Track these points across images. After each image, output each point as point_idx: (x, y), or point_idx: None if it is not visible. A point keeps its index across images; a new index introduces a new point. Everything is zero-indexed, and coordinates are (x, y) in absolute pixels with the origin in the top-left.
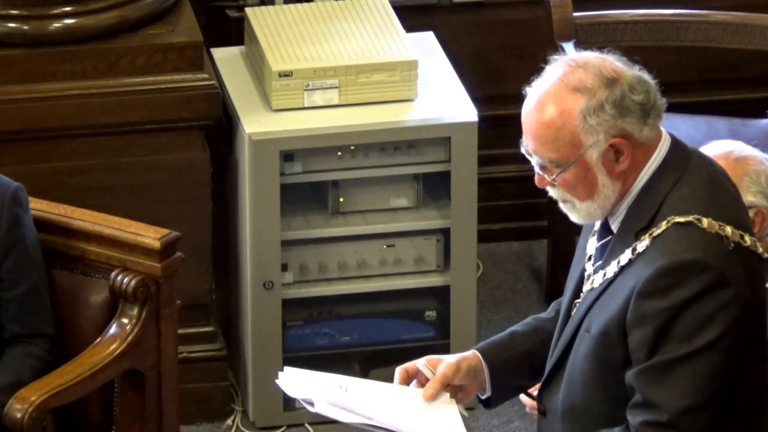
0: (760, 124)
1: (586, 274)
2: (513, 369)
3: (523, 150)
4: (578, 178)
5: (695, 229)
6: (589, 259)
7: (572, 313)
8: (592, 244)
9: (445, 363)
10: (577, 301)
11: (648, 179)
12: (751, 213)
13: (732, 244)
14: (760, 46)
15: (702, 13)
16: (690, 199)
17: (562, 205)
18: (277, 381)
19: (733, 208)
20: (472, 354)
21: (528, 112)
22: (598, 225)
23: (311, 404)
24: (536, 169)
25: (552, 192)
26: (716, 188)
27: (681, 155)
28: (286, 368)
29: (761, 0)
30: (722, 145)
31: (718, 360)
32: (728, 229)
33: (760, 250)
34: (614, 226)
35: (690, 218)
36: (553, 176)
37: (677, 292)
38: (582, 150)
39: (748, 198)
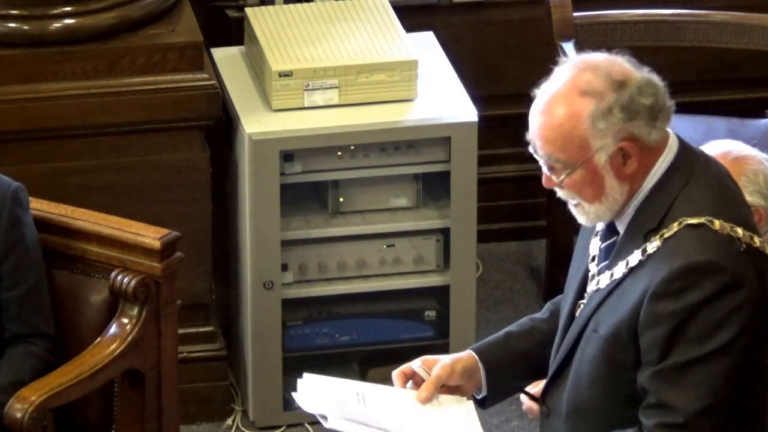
0: (759, 124)
1: (590, 274)
2: (509, 369)
3: (531, 149)
4: (585, 180)
5: (708, 231)
6: (593, 259)
7: (576, 314)
8: (595, 245)
9: (439, 364)
10: (581, 301)
11: (657, 181)
12: None
13: (743, 246)
14: (759, 46)
15: (701, 13)
16: (700, 200)
17: (571, 208)
18: (294, 394)
19: (740, 209)
20: (467, 354)
21: (537, 114)
22: (601, 225)
23: (325, 419)
24: (543, 170)
25: (560, 193)
26: (724, 190)
27: (689, 157)
28: (305, 375)
29: (760, 0)
30: (721, 145)
31: (733, 361)
32: (739, 231)
33: None
34: (620, 227)
35: (702, 220)
36: (561, 178)
37: (691, 293)
38: (590, 153)
39: (746, 198)
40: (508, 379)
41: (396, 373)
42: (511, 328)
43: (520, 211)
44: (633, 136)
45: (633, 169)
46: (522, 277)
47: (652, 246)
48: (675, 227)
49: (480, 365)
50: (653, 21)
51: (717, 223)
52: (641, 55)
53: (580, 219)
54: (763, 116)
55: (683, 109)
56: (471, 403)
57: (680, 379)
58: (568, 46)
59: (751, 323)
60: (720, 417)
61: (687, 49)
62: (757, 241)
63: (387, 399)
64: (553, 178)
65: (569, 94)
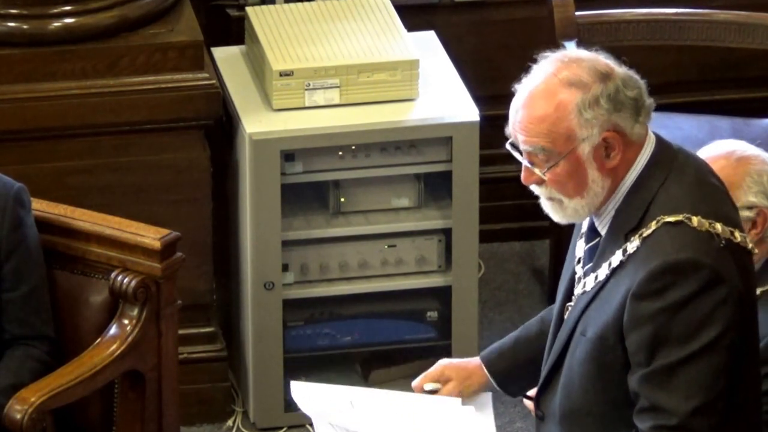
0: (763, 124)
1: (576, 277)
2: (520, 377)
3: (508, 146)
4: (569, 173)
5: (686, 228)
6: (578, 262)
7: (565, 317)
8: (580, 247)
9: (450, 386)
10: (569, 304)
11: (635, 179)
12: (752, 213)
13: (723, 241)
14: (763, 46)
15: (704, 13)
16: (678, 198)
17: (547, 204)
18: (293, 394)
19: (721, 204)
20: (479, 373)
21: (520, 107)
22: (585, 228)
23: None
24: (525, 163)
25: (538, 190)
26: (704, 186)
27: (667, 154)
28: (293, 383)
29: None
30: (725, 145)
31: (720, 358)
32: (718, 227)
33: (750, 245)
34: (602, 229)
35: (680, 217)
36: (544, 170)
37: (672, 292)
38: (575, 143)
39: (750, 198)
40: (521, 384)
41: (417, 385)
42: (521, 333)
43: (522, 211)
44: (618, 128)
45: (616, 162)
46: (525, 277)
47: (632, 246)
48: (653, 226)
49: (492, 381)
50: (656, 20)
51: (695, 220)
52: (644, 54)
53: (555, 216)
54: (767, 116)
55: (687, 108)
56: (471, 408)
57: (670, 380)
58: (571, 46)
59: (736, 319)
60: (714, 415)
61: (690, 48)
62: (738, 236)
63: (378, 406)
64: (536, 171)
65: (555, 85)
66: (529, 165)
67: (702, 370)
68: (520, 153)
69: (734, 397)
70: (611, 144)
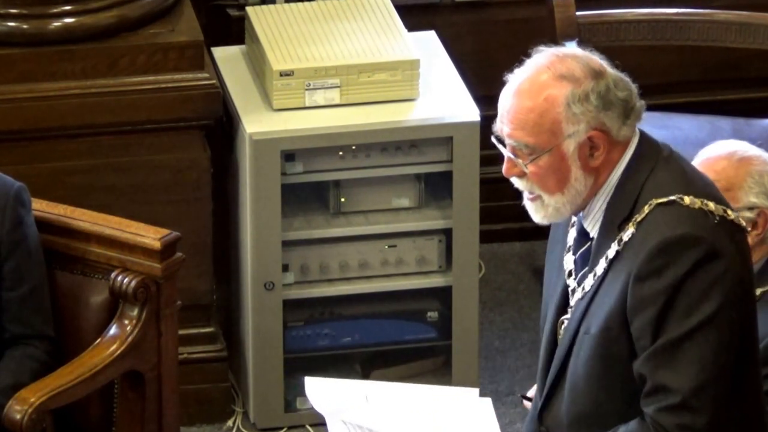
0: (764, 124)
1: (570, 289)
2: None
3: (493, 138)
4: (551, 167)
5: (679, 207)
6: (570, 275)
7: (560, 330)
8: (569, 260)
9: None
10: (565, 317)
11: (622, 174)
12: (752, 214)
13: (717, 218)
14: (764, 46)
15: (705, 12)
16: (668, 182)
17: (528, 203)
18: (307, 394)
19: (710, 188)
20: None
21: (510, 95)
22: (571, 240)
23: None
24: (507, 154)
25: (520, 184)
26: (691, 173)
27: (653, 147)
28: (307, 379)
29: None
30: (726, 145)
31: (720, 333)
32: (711, 204)
33: (743, 223)
34: (592, 228)
35: (672, 197)
36: (526, 162)
37: (672, 269)
38: (560, 139)
39: (751, 199)
40: None
41: None
42: None
43: (523, 211)
44: (604, 127)
45: (599, 162)
46: (525, 277)
47: (627, 234)
48: (646, 210)
49: None
50: (657, 20)
51: (687, 199)
52: (645, 54)
53: (537, 216)
54: (767, 116)
55: (688, 108)
56: (488, 400)
57: (672, 358)
58: (571, 46)
59: (734, 294)
60: (717, 391)
61: (691, 48)
62: (730, 213)
63: (393, 401)
64: (519, 162)
65: (546, 77)
66: (512, 156)
67: (703, 346)
68: (505, 146)
69: (737, 379)
70: (596, 143)
